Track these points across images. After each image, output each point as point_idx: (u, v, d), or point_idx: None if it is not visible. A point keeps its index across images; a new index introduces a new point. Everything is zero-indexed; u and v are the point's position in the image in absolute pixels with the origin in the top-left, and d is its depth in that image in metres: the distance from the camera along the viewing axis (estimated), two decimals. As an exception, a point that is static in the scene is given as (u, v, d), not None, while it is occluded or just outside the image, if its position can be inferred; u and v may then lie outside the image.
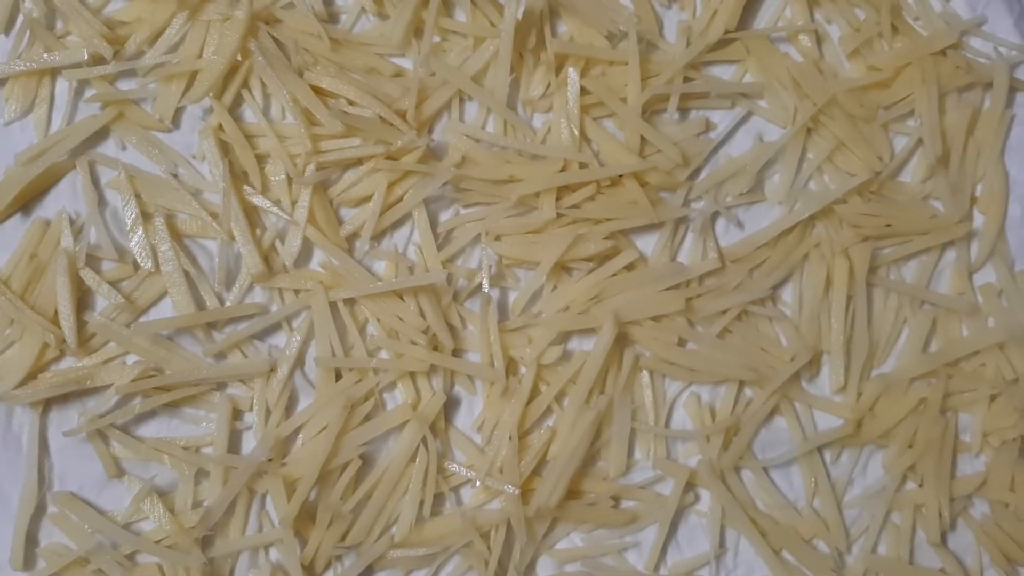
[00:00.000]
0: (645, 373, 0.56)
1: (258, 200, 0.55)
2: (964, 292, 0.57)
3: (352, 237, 0.56)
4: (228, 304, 0.55)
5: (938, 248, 0.57)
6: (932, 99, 0.56)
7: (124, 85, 0.56)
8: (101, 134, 0.56)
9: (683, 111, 0.57)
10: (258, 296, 0.56)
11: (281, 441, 0.54)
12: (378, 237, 0.56)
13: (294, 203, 0.55)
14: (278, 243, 0.55)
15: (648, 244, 0.57)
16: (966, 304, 0.57)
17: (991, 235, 0.57)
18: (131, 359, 0.55)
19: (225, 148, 0.55)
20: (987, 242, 0.57)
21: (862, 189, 0.57)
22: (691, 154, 0.57)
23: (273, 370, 0.55)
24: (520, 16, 0.55)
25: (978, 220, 0.58)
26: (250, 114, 0.56)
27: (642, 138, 0.56)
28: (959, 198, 0.57)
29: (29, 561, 0.54)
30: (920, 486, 0.56)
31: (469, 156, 0.56)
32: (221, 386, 0.55)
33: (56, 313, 0.54)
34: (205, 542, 0.54)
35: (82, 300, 0.55)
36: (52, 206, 0.55)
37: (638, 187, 0.56)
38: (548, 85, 0.56)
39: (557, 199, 0.55)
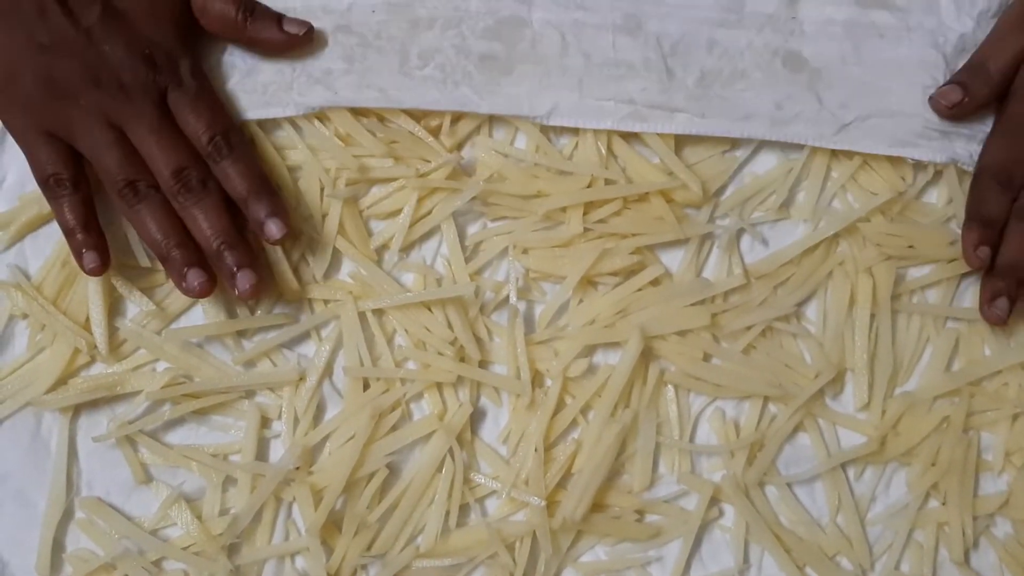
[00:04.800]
0: (670, 388, 0.56)
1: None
2: (986, 312, 0.58)
3: (381, 249, 0.57)
4: (258, 313, 0.56)
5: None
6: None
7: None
8: (136, 144, 0.56)
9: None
10: (288, 306, 0.56)
11: (309, 450, 0.54)
12: (407, 249, 0.57)
13: (324, 215, 0.56)
14: (308, 254, 0.56)
15: (674, 260, 0.57)
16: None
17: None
18: (161, 366, 0.55)
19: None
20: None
21: (885, 209, 0.57)
22: (716, 172, 0.57)
23: (302, 379, 0.55)
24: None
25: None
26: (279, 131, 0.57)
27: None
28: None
29: (56, 566, 0.54)
30: (943, 504, 0.56)
31: (498, 171, 0.57)
32: (250, 394, 0.55)
33: (87, 319, 0.55)
34: (232, 550, 0.54)
35: (113, 307, 0.55)
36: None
37: (664, 203, 0.56)
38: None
39: (584, 214, 0.56)
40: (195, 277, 0.51)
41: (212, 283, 0.51)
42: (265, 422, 0.55)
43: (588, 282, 0.56)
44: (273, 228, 0.51)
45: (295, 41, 0.55)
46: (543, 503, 0.54)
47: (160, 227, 0.51)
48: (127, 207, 0.51)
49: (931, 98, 0.56)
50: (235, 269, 0.51)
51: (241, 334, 0.56)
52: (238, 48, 0.56)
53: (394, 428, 0.55)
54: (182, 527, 0.54)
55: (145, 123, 0.51)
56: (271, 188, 0.52)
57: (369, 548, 0.54)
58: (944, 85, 0.56)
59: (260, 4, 0.55)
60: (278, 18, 0.55)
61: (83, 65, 0.50)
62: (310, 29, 0.55)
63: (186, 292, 0.51)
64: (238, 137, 0.53)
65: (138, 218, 0.51)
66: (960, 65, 0.57)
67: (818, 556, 0.55)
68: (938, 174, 0.58)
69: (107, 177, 0.51)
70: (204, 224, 0.51)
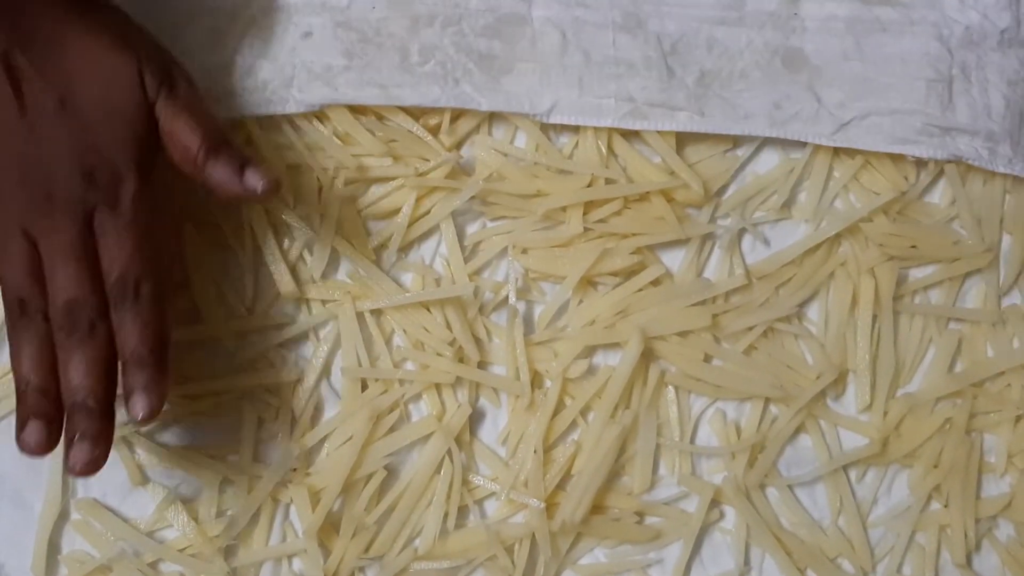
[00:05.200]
0: (671, 389, 0.56)
1: (286, 216, 0.55)
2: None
3: (380, 249, 0.56)
4: (256, 313, 0.55)
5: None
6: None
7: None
8: (132, 142, 0.56)
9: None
10: (285, 306, 0.56)
11: (306, 451, 0.54)
12: (405, 249, 0.56)
13: (322, 215, 0.55)
14: (306, 254, 0.55)
15: (674, 260, 0.57)
16: (992, 315, 0.57)
17: (1018, 259, 0.57)
18: (158, 366, 0.55)
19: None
20: (1014, 267, 0.57)
21: (887, 208, 0.57)
22: (717, 172, 0.57)
23: (299, 380, 0.55)
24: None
25: (1005, 240, 0.58)
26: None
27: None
28: (985, 225, 0.57)
29: (51, 568, 0.53)
30: (945, 507, 0.56)
31: (498, 170, 0.56)
32: (247, 395, 0.55)
33: (84, 319, 0.54)
34: (228, 551, 0.54)
35: (110, 307, 0.55)
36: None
37: (665, 203, 0.56)
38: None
39: (584, 214, 0.56)
40: (34, 432, 0.44)
41: (49, 447, 0.44)
42: (262, 423, 0.55)
43: (588, 282, 0.56)
44: (138, 404, 0.44)
45: (251, 198, 0.47)
46: (542, 505, 0.53)
47: (29, 361, 0.45)
48: (7, 323, 0.46)
49: None
50: (77, 437, 0.44)
51: (239, 334, 0.55)
52: (235, 43, 0.55)
53: (392, 429, 0.55)
54: (178, 529, 0.53)
55: (56, 239, 0.45)
56: (160, 359, 0.46)
57: (367, 550, 0.53)
58: None
59: (230, 146, 0.48)
60: (241, 165, 0.47)
61: (17, 161, 0.45)
62: (275, 187, 0.47)
63: (18, 442, 0.44)
64: (152, 286, 0.46)
65: (13, 341, 0.45)
66: (966, 59, 0.57)
67: (819, 558, 0.55)
68: (940, 173, 0.58)
69: (2, 284, 0.46)
70: (74, 373, 0.44)
